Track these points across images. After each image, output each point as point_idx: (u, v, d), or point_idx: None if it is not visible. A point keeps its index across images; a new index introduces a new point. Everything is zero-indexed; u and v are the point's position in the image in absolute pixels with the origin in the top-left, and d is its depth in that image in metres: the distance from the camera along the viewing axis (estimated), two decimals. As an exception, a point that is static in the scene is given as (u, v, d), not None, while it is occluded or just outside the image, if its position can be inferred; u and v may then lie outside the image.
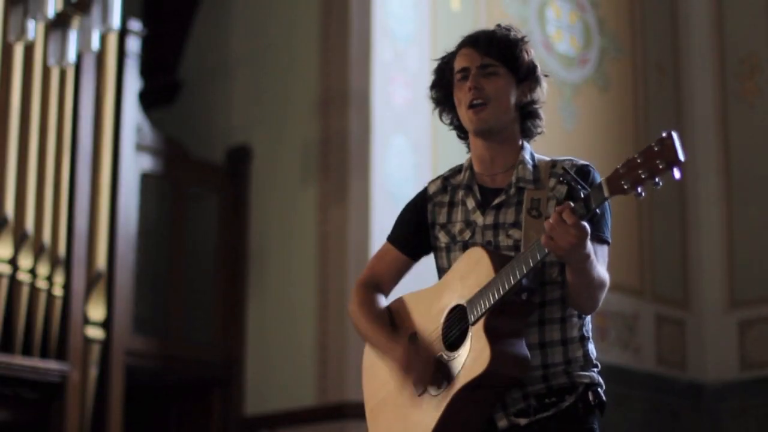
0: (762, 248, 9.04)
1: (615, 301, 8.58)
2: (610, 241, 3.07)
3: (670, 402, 8.96)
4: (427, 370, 3.02)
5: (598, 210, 2.92)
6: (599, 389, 3.06)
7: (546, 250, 2.85)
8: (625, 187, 2.73)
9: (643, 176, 2.71)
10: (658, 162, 2.69)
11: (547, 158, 3.16)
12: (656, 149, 2.69)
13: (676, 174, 2.69)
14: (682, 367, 9.09)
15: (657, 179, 2.70)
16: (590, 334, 3.12)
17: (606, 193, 2.77)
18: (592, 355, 3.09)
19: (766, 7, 9.40)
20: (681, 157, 2.67)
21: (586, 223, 2.81)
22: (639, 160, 2.72)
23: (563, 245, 2.81)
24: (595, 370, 3.08)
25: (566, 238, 2.80)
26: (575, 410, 3.01)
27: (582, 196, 2.82)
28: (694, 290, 9.27)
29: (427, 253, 3.25)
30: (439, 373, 3.01)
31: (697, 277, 9.28)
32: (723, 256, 9.21)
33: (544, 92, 3.18)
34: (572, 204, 2.82)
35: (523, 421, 3.00)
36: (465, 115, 3.13)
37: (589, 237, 2.83)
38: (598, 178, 3.07)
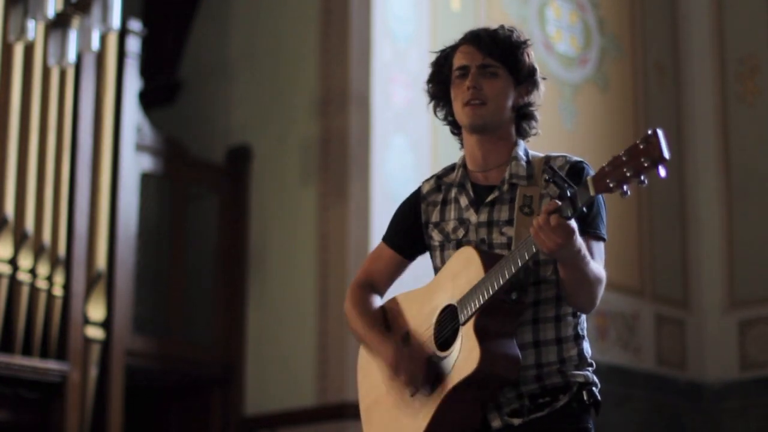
0: (762, 248, 9.04)
1: (615, 301, 8.58)
2: (605, 237, 3.05)
3: (670, 402, 8.95)
4: (417, 371, 3.01)
5: (592, 208, 2.91)
6: (594, 388, 3.03)
7: (534, 249, 2.84)
8: (611, 185, 2.70)
9: (628, 174, 2.66)
10: (642, 160, 2.64)
11: (541, 154, 3.14)
12: (641, 147, 2.65)
13: (662, 172, 2.64)
14: (682, 367, 9.09)
15: (642, 177, 2.66)
16: (585, 332, 3.09)
17: (592, 192, 2.74)
18: (586, 354, 3.06)
19: (766, 7, 9.39)
20: (666, 154, 2.62)
21: (572, 222, 2.79)
22: (624, 158, 2.67)
23: (550, 245, 2.79)
24: (590, 369, 3.05)
25: (552, 238, 2.78)
26: (570, 410, 2.99)
27: (569, 195, 2.79)
28: (694, 290, 9.26)
29: (422, 252, 3.24)
30: (430, 375, 2.99)
31: (697, 277, 9.28)
32: (723, 256, 9.20)
33: (541, 95, 3.16)
34: (559, 203, 2.79)
35: (516, 422, 2.98)
36: (460, 111, 3.10)
37: (576, 234, 2.81)
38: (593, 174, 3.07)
